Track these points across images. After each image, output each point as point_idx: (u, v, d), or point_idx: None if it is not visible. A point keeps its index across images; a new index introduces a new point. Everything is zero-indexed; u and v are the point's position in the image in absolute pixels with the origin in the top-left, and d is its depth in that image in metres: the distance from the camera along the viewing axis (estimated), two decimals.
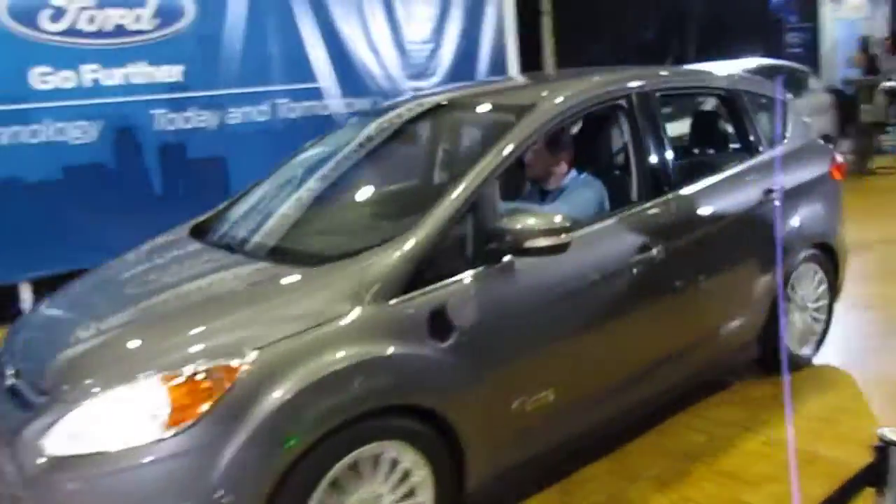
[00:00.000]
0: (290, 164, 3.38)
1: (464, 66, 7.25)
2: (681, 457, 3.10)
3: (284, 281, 2.44)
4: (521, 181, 3.45)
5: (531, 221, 2.45)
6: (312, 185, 3.10)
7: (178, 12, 5.59)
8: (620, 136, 3.27)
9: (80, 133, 5.24)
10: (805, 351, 3.79)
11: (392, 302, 2.32)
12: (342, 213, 3.14)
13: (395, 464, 2.29)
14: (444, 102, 3.29)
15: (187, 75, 5.65)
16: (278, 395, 2.05)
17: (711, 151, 3.84)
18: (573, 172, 3.28)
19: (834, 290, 3.91)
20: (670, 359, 3.17)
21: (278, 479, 2.04)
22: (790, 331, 3.64)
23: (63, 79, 5.18)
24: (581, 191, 3.20)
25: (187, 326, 2.25)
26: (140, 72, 5.46)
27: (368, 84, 6.64)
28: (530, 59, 8.69)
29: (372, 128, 3.23)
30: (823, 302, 3.85)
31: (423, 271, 2.38)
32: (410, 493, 2.34)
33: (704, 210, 3.24)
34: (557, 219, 2.49)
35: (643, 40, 13.39)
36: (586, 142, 3.47)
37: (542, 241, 2.44)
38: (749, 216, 3.43)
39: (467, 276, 2.46)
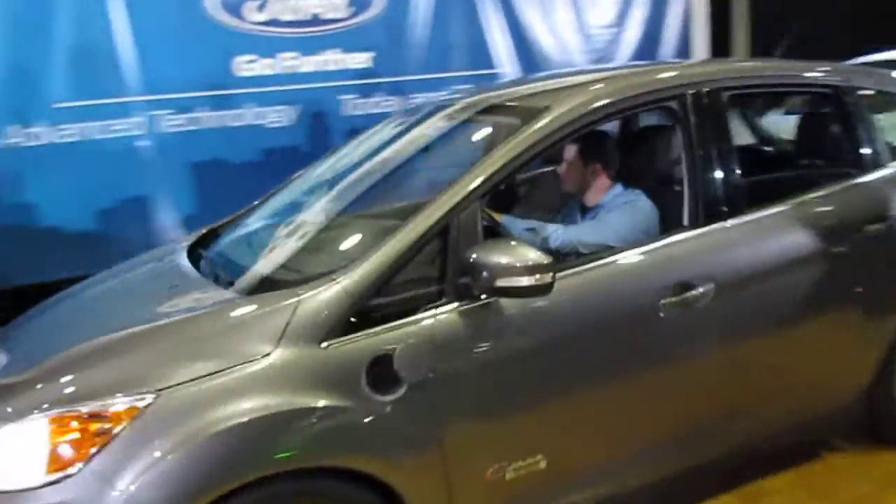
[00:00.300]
0: (310, 171, 3.09)
1: (647, 50, 6.97)
2: None
3: (219, 313, 2.12)
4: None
5: (504, 258, 2.02)
6: (317, 200, 2.80)
7: (369, 0, 5.77)
8: (676, 144, 2.69)
9: (277, 117, 5.55)
10: None
11: (324, 345, 1.95)
12: (333, 234, 2.58)
13: None
14: (468, 104, 2.84)
15: (376, 61, 5.81)
16: (165, 448, 1.76)
17: (805, 164, 3.23)
18: (617, 187, 2.80)
19: None
20: (717, 423, 2.60)
21: None
22: None
23: (264, 66, 5.49)
24: (620, 210, 2.71)
25: (101, 360, 2.00)
26: (333, 59, 5.69)
27: (548, 70, 6.54)
28: (722, 44, 8.21)
29: (389, 134, 2.95)
30: None
31: (368, 309, 2.00)
32: None
33: (782, 239, 2.63)
34: (533, 255, 2.04)
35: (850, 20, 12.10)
36: (637, 151, 2.97)
37: (519, 281, 2.00)
38: (852, 248, 2.76)
39: (428, 317, 2.05)
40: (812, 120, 3.46)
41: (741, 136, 3.26)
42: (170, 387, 1.84)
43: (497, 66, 6.35)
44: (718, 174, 2.57)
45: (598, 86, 2.61)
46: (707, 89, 2.62)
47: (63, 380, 1.95)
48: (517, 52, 6.39)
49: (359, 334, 1.98)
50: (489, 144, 2.52)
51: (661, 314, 2.37)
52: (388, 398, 1.98)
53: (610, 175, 2.83)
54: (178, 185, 5.30)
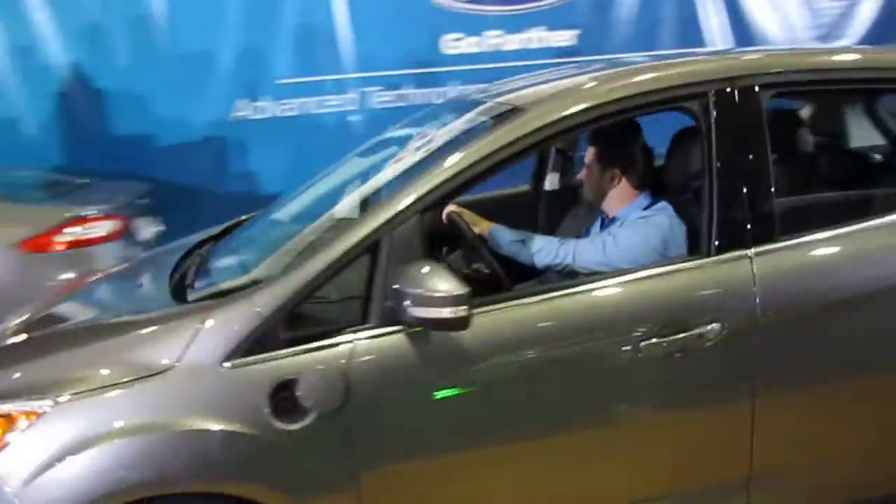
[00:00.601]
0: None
1: (884, 26, 6.25)
2: None
3: (140, 321, 2.01)
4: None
5: (417, 286, 1.76)
6: (304, 207, 2.60)
7: None
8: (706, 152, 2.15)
9: None
10: None
11: (227, 364, 1.78)
12: (290, 245, 2.24)
13: None
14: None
15: (581, 39, 5.70)
16: (53, 458, 1.68)
17: (863, 183, 2.62)
18: (641, 198, 2.37)
19: None
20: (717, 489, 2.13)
21: None
22: None
23: (469, 44, 5.57)
24: (631, 227, 2.29)
25: (29, 357, 2.01)
26: (537, 36, 5.65)
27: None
28: None
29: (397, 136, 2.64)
30: None
31: (280, 330, 1.81)
32: None
33: (822, 274, 2.14)
34: (445, 285, 1.74)
35: None
36: (672, 156, 2.51)
37: (439, 312, 1.74)
38: None
39: (345, 342, 1.82)
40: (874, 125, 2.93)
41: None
42: (69, 395, 1.76)
43: (709, 43, 5.99)
44: (750, 189, 2.09)
45: (589, 85, 2.24)
46: (736, 87, 2.12)
47: None
48: (732, 27, 5.99)
49: (265, 355, 1.80)
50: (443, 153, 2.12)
51: (641, 354, 1.96)
52: (292, 427, 1.78)
53: (633, 182, 2.39)
54: None
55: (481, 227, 2.43)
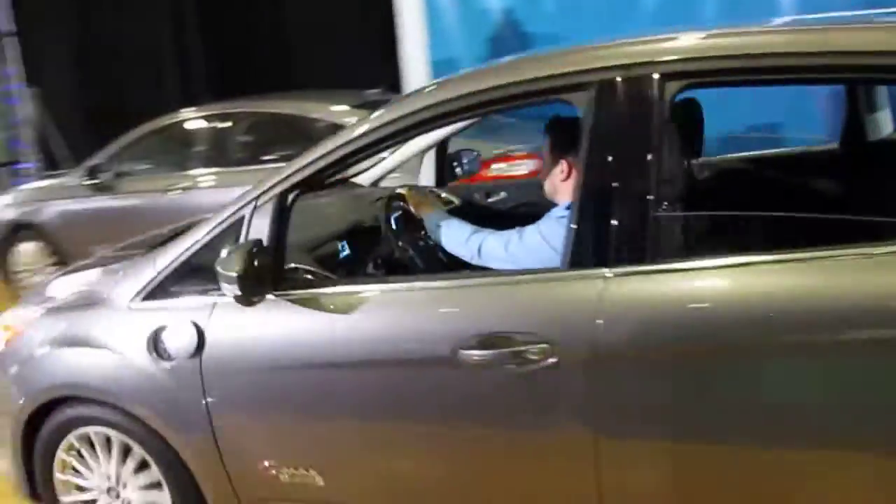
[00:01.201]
0: None
1: None
2: None
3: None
4: None
5: (219, 265, 1.98)
6: None
7: None
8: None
9: None
10: None
11: (131, 305, 2.30)
12: None
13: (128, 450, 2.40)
14: None
15: None
16: (18, 362, 2.51)
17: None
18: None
19: None
20: None
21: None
22: None
23: None
24: (544, 225, 2.11)
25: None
26: None
27: None
28: None
29: None
30: None
31: (166, 284, 2.26)
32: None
33: (697, 312, 1.66)
34: (228, 267, 1.95)
35: None
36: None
37: (224, 289, 1.99)
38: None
39: (208, 303, 2.16)
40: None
41: None
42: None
43: None
44: (612, 200, 1.78)
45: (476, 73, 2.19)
46: (627, 77, 1.76)
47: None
48: None
49: (152, 303, 2.27)
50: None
51: (458, 366, 1.85)
52: (163, 365, 2.20)
53: (568, 176, 2.16)
54: None
55: (420, 211, 2.46)
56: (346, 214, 2.82)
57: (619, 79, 1.78)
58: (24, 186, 6.27)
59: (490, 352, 1.82)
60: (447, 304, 1.98)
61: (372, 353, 2.01)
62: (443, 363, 1.87)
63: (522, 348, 1.78)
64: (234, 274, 1.95)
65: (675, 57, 1.78)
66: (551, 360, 1.75)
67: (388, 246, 2.50)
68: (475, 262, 2.24)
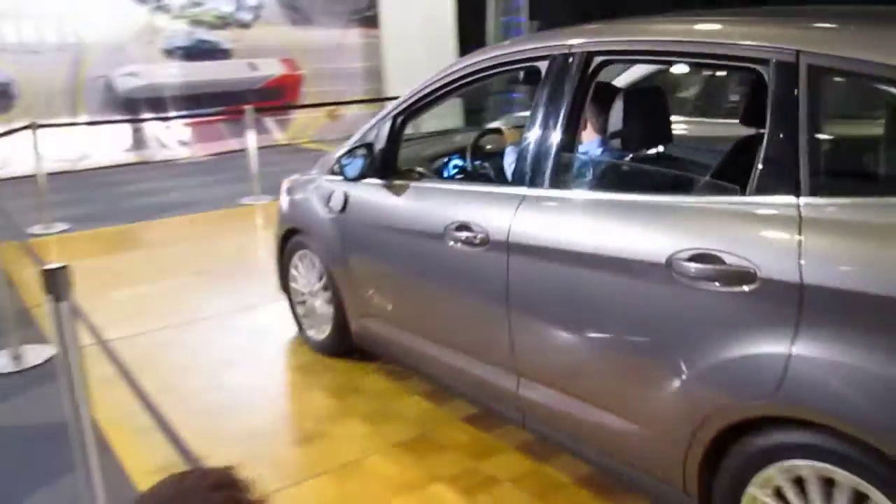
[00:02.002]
0: None
1: None
2: None
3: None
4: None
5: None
6: None
7: None
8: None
9: None
10: None
11: (325, 177, 3.64)
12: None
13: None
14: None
15: None
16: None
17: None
18: (597, 140, 2.90)
19: None
20: (499, 371, 2.72)
21: None
22: None
23: None
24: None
25: None
26: None
27: None
28: None
29: None
30: None
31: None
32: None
33: (567, 223, 2.44)
34: (335, 158, 3.59)
35: None
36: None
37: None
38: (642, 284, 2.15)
39: (370, 182, 3.27)
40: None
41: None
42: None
43: None
44: (550, 143, 2.54)
45: (495, 48, 2.98)
46: (574, 53, 2.55)
47: None
48: None
49: (331, 177, 3.58)
50: None
51: (449, 242, 2.79)
52: (329, 215, 3.50)
53: (595, 128, 2.92)
54: None
55: (506, 142, 3.51)
56: (457, 142, 3.93)
57: (567, 54, 2.57)
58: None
59: (458, 234, 2.77)
60: (443, 200, 2.96)
61: (418, 223, 3.00)
62: (436, 238, 2.85)
63: (472, 234, 2.73)
64: (343, 163, 3.32)
65: (602, 40, 2.55)
66: (486, 242, 2.68)
67: (468, 160, 3.53)
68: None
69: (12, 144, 9.66)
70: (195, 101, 11.26)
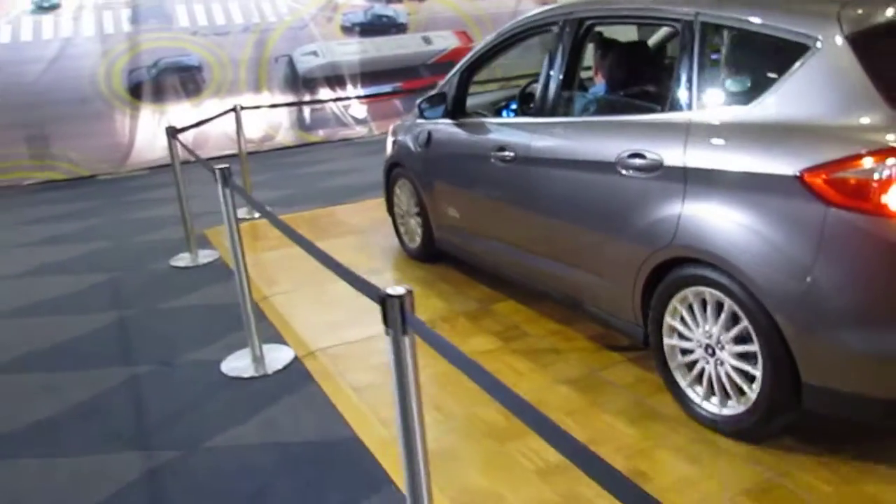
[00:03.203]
0: None
1: None
2: None
3: None
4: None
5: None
6: None
7: None
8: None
9: None
10: None
11: (417, 119, 4.60)
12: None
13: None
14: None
15: None
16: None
17: (620, 92, 3.56)
18: (601, 86, 3.72)
19: None
20: (543, 258, 3.58)
21: None
22: None
23: None
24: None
25: None
26: None
27: None
28: None
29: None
30: None
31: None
32: None
33: (561, 143, 3.39)
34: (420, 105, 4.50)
35: None
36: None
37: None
38: (604, 178, 3.07)
39: (445, 121, 4.28)
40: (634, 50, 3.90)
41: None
42: None
43: None
44: (555, 86, 3.48)
45: (527, 15, 3.90)
46: (572, 19, 3.46)
47: None
48: None
49: (420, 120, 4.52)
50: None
51: (492, 160, 3.76)
52: (418, 149, 4.55)
53: (602, 75, 3.75)
54: None
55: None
56: (511, 92, 4.74)
57: (569, 20, 3.49)
58: None
59: (497, 154, 3.74)
60: (490, 132, 3.90)
61: (475, 149, 3.94)
62: (485, 159, 3.80)
63: (503, 153, 3.70)
64: (422, 106, 4.34)
65: (589, 9, 3.46)
66: (515, 157, 3.67)
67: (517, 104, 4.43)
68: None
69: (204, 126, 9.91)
70: (372, 78, 11.08)
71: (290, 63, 10.63)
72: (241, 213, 6.67)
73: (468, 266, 4.54)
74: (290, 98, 10.64)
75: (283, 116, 10.51)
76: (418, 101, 4.35)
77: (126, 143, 9.87)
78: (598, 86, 3.75)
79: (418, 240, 4.83)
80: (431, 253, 4.76)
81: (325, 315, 4.24)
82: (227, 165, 3.51)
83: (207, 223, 6.49)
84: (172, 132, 5.44)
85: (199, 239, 5.87)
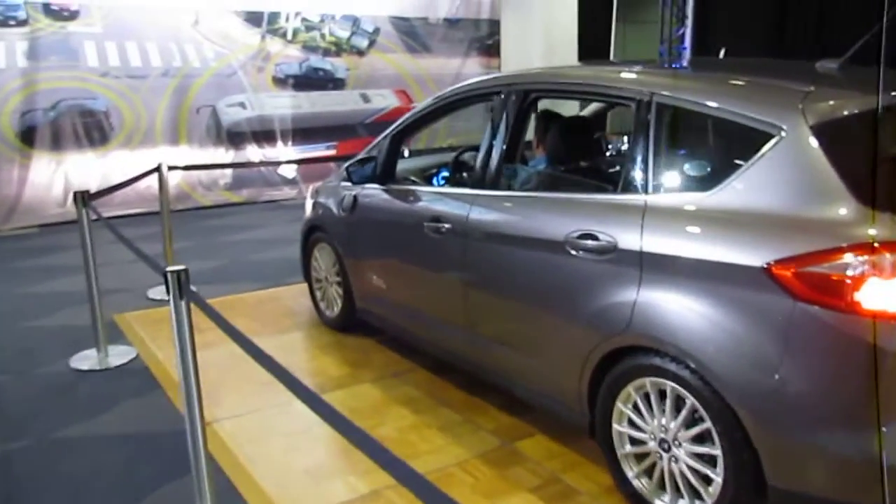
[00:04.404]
0: None
1: None
2: None
3: None
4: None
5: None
6: None
7: None
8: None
9: None
10: None
11: (341, 183, 4.35)
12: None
13: None
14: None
15: None
16: None
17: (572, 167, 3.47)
18: (539, 157, 3.75)
19: None
20: (465, 334, 3.43)
21: None
22: None
23: None
24: None
25: None
26: None
27: None
28: None
29: None
30: None
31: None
32: None
33: (506, 217, 3.23)
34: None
35: None
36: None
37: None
38: (555, 258, 2.89)
39: (373, 187, 4.06)
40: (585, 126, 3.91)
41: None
42: None
43: None
44: (497, 156, 3.31)
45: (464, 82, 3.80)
46: (514, 90, 3.34)
47: None
48: None
49: (345, 183, 4.27)
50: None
51: (425, 230, 3.54)
52: (342, 215, 4.28)
53: (543, 148, 3.77)
54: None
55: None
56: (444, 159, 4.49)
57: (511, 91, 3.37)
58: None
59: (430, 224, 3.54)
60: (424, 200, 3.71)
61: (406, 218, 3.75)
62: (418, 228, 3.59)
63: (439, 225, 3.49)
64: (350, 169, 4.09)
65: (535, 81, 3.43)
66: (449, 229, 3.48)
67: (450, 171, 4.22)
68: None
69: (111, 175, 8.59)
70: (305, 135, 10.08)
71: (214, 114, 9.48)
72: (158, 293, 5.47)
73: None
74: (212, 152, 9.46)
75: (201, 172, 9.29)
76: (346, 165, 4.13)
77: (12, 195, 8.38)
78: (539, 158, 3.71)
79: (337, 308, 4.60)
80: (351, 323, 4.53)
81: (298, 457, 3.15)
82: (183, 267, 2.42)
83: (119, 304, 5.25)
84: (83, 198, 4.23)
85: (108, 327, 4.63)
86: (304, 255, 4.88)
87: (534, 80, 3.38)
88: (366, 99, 10.63)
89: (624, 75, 3.03)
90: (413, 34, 10.92)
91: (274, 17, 9.78)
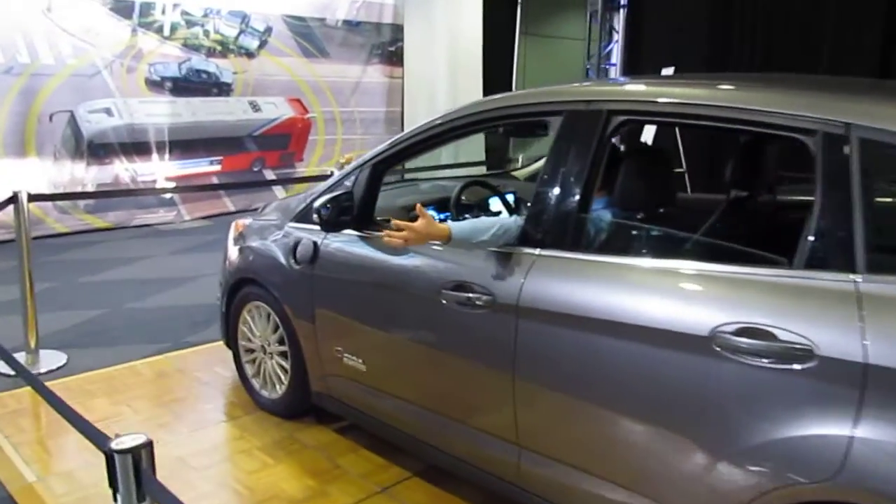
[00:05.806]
0: None
1: None
2: None
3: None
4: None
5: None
6: None
7: None
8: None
9: None
10: None
11: (289, 224, 3.33)
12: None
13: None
14: None
15: None
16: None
17: None
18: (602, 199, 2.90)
19: None
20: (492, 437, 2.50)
21: None
22: None
23: None
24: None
25: None
26: None
27: None
28: None
29: None
30: None
31: (307, 214, 3.21)
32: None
33: (581, 288, 2.24)
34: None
35: None
36: None
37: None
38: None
39: (347, 233, 3.04)
40: None
41: None
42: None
43: None
44: (553, 203, 2.39)
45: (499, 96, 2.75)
46: (588, 109, 2.42)
47: None
48: None
49: (300, 225, 3.25)
50: None
51: (443, 301, 2.53)
52: (297, 268, 3.16)
53: (606, 189, 2.78)
54: None
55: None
56: (427, 196, 3.76)
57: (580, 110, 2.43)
58: None
59: (456, 294, 2.50)
60: (435, 259, 2.65)
61: (406, 282, 2.74)
62: (428, 297, 2.58)
63: (475, 295, 2.44)
64: (323, 211, 2.98)
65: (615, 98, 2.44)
66: (492, 304, 2.41)
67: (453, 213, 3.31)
68: None
69: None
70: (184, 148, 8.63)
71: (73, 121, 7.82)
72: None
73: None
74: (69, 167, 7.80)
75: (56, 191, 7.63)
76: (317, 204, 3.02)
77: None
78: (600, 201, 2.59)
79: (280, 389, 3.49)
80: (300, 409, 3.47)
81: None
82: (147, 439, 1.24)
83: None
84: None
85: None
86: (227, 316, 3.73)
87: (623, 98, 2.43)
88: (255, 107, 9.29)
89: (786, 97, 2.05)
90: (309, 36, 9.70)
91: (147, 7, 8.25)
